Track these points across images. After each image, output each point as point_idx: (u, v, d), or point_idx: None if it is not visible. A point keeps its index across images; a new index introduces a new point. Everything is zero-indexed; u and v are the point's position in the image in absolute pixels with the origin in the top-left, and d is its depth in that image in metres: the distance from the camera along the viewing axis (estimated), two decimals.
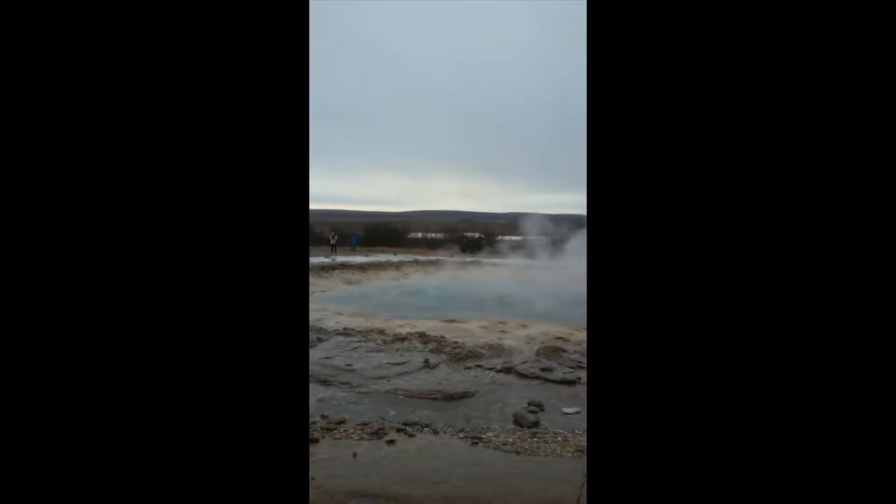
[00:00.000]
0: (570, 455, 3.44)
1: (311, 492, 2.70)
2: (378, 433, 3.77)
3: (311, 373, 5.44)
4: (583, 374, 5.69)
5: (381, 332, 7.86)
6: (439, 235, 32.12)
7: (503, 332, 8.36)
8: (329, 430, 3.85)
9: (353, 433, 3.79)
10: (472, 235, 30.05)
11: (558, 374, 5.64)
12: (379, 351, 6.68)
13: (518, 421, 4.20)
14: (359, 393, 5.02)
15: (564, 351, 6.69)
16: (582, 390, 5.19)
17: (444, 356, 6.41)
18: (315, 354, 6.30)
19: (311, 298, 9.25)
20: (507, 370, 5.82)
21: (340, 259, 18.58)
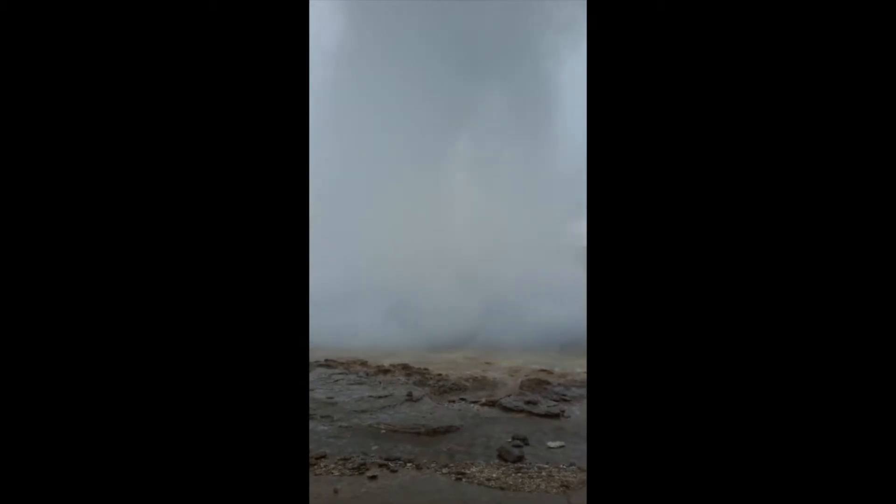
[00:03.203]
0: (554, 490, 3.39)
1: None
2: (360, 468, 3.68)
3: None
4: (567, 408, 5.65)
5: (363, 363, 7.74)
6: None
7: (487, 363, 8.30)
8: (309, 465, 3.74)
9: (333, 468, 3.69)
10: None
11: (543, 407, 5.59)
12: (361, 383, 6.56)
13: (502, 455, 4.13)
14: (340, 427, 4.91)
15: (548, 384, 6.65)
16: (567, 424, 5.14)
17: (427, 389, 6.32)
18: None
19: None
20: (492, 403, 5.76)
21: None
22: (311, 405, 5.52)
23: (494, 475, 3.64)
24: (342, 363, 7.71)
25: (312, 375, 6.86)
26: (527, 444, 4.49)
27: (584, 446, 4.38)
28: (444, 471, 3.72)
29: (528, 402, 5.72)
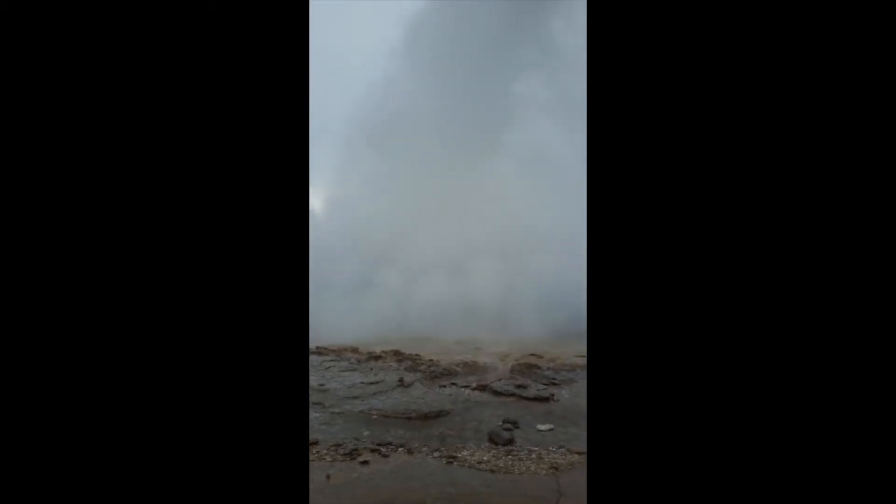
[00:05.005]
0: (544, 472, 3.45)
1: None
2: (352, 454, 3.72)
3: None
4: (556, 391, 5.74)
5: (354, 350, 7.78)
6: None
7: (478, 348, 8.37)
8: None
9: (325, 454, 3.72)
10: None
11: (532, 390, 5.67)
12: (352, 370, 6.60)
13: (493, 439, 4.19)
14: (332, 413, 4.94)
15: (538, 367, 6.73)
16: (556, 407, 5.22)
17: (418, 374, 6.37)
18: None
19: None
20: (482, 388, 5.82)
21: None
22: None
23: (485, 458, 3.69)
24: (333, 350, 7.74)
25: None
26: (517, 428, 4.55)
27: (572, 429, 4.46)
28: (436, 455, 3.77)
29: (518, 386, 5.79)
